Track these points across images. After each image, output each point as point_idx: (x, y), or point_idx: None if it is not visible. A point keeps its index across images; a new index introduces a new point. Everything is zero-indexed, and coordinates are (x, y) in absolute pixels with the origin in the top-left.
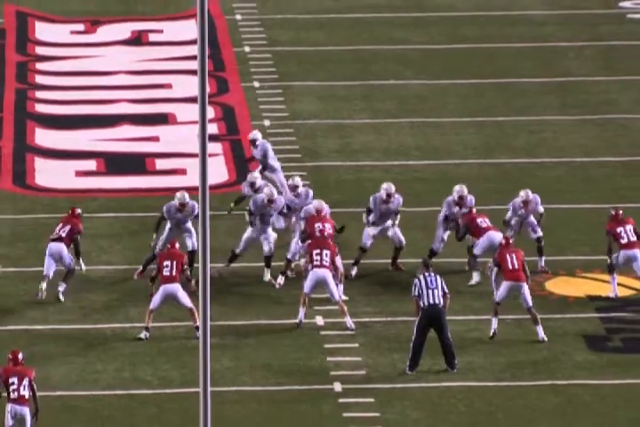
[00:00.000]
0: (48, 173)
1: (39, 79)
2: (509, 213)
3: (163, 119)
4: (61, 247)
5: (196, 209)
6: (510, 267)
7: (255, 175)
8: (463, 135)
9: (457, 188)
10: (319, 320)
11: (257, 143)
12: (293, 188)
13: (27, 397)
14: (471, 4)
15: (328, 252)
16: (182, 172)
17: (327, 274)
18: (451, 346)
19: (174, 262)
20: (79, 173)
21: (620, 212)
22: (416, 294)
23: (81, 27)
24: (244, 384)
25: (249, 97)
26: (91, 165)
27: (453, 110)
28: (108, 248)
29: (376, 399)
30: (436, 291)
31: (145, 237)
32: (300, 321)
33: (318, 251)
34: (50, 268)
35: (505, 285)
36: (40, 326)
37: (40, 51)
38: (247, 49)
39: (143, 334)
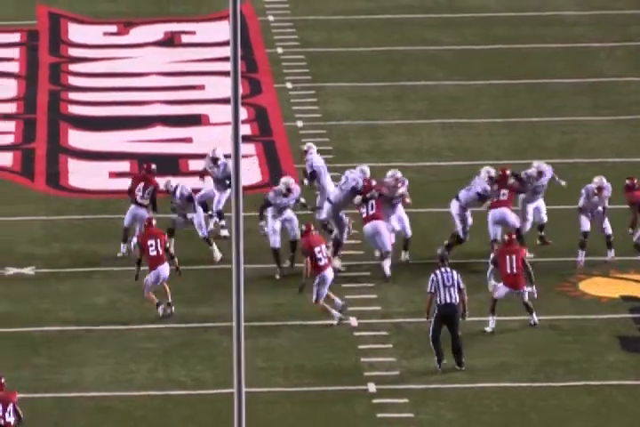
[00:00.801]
0: (81, 175)
1: (72, 80)
2: (582, 200)
3: (196, 120)
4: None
5: (297, 193)
6: (509, 271)
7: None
8: (495, 136)
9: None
10: (353, 321)
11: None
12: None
13: (13, 423)
14: (503, 5)
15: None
16: None
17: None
18: (460, 344)
19: (157, 241)
20: (112, 175)
21: (635, 180)
22: (432, 290)
23: (114, 28)
24: (278, 385)
25: (282, 98)
26: (124, 166)
27: (486, 111)
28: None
29: (410, 400)
30: (452, 289)
31: (179, 237)
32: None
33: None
34: (130, 224)
35: (504, 288)
36: (73, 326)
37: (73, 52)
38: (280, 50)
39: (161, 309)
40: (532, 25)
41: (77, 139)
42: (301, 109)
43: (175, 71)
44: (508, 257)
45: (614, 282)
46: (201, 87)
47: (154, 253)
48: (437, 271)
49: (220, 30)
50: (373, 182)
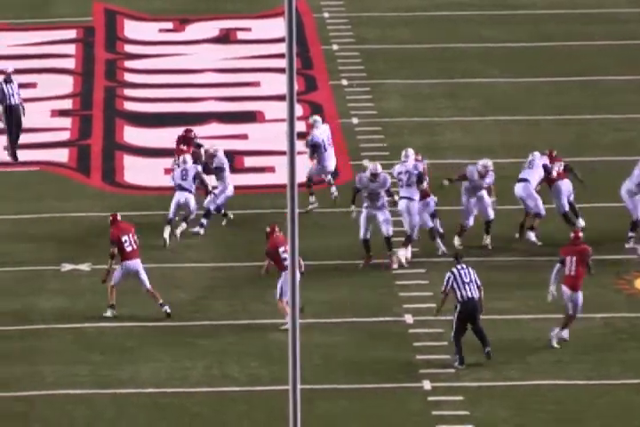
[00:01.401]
0: (137, 171)
1: (128, 77)
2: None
3: (251, 117)
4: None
5: (388, 182)
6: (567, 271)
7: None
8: (548, 133)
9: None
10: (408, 318)
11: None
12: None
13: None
14: (553, 2)
15: None
16: (271, 169)
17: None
18: (485, 335)
19: (130, 235)
20: (168, 171)
21: None
22: (448, 288)
23: (169, 25)
24: (333, 382)
25: (337, 95)
26: None
27: (539, 108)
28: (197, 246)
29: (465, 397)
30: (471, 285)
31: (232, 234)
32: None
33: None
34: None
35: (562, 288)
36: (129, 323)
37: (129, 49)
38: (335, 47)
39: (110, 313)
40: (583, 22)
41: (133, 135)
42: (357, 106)
43: (230, 68)
44: (569, 257)
45: None
46: (256, 84)
47: (129, 248)
48: (454, 269)
49: (276, 27)
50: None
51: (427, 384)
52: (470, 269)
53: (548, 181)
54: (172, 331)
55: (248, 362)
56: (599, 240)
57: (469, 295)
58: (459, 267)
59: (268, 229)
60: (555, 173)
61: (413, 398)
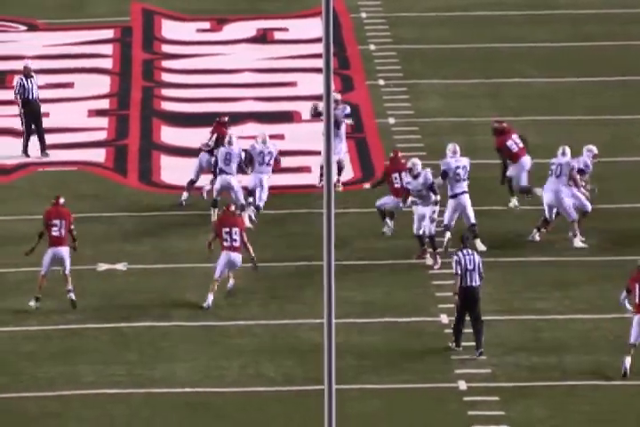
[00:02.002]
0: (174, 171)
1: (165, 77)
2: None
3: (288, 117)
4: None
5: (430, 179)
6: (637, 300)
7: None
8: (587, 133)
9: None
10: (444, 318)
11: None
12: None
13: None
14: (594, 2)
15: None
16: (307, 169)
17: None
18: (481, 327)
19: (63, 222)
20: (205, 171)
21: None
22: (459, 271)
23: (207, 25)
24: (368, 382)
25: (374, 95)
26: None
27: (578, 109)
28: None
29: (501, 398)
30: (474, 272)
31: (268, 234)
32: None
33: None
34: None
35: (635, 320)
36: (164, 322)
37: (166, 49)
38: (372, 47)
39: (33, 304)
40: (622, 22)
41: (170, 135)
42: (394, 106)
43: (267, 68)
44: (638, 284)
45: None
46: (293, 84)
47: (56, 233)
48: (460, 254)
49: (313, 27)
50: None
51: (462, 384)
52: (476, 255)
53: (512, 158)
54: (207, 330)
55: (283, 361)
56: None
57: (470, 283)
58: (465, 252)
59: (225, 207)
60: (516, 149)
61: (449, 399)
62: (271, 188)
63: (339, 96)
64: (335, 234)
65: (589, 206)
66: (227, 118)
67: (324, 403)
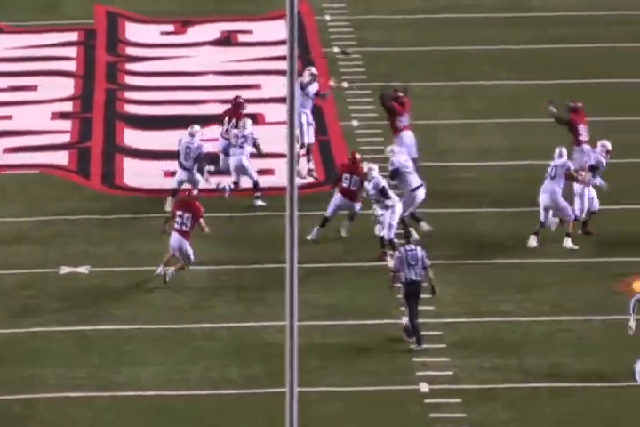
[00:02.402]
0: (137, 174)
1: (129, 80)
2: None
3: (252, 120)
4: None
5: (380, 184)
6: None
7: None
8: (554, 135)
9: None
10: (405, 321)
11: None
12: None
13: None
14: (563, 5)
15: None
16: (270, 172)
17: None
18: (417, 323)
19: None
20: (168, 174)
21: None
22: (395, 269)
23: (171, 27)
24: (331, 384)
25: (337, 97)
26: None
27: (542, 111)
28: (197, 248)
29: (463, 400)
30: (416, 267)
31: (234, 238)
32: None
33: None
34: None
35: None
36: (130, 325)
37: (130, 51)
38: (336, 49)
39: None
40: (590, 25)
41: (133, 138)
42: (357, 109)
43: (231, 70)
44: None
45: None
46: (257, 86)
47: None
48: (402, 249)
49: (277, 29)
50: None
51: (424, 387)
52: (419, 250)
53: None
54: (171, 333)
55: (247, 364)
56: None
57: (411, 278)
58: (407, 248)
59: (187, 192)
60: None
61: (411, 401)
62: (235, 190)
63: (315, 70)
64: (299, 236)
65: (597, 205)
66: (242, 99)
67: (286, 406)
